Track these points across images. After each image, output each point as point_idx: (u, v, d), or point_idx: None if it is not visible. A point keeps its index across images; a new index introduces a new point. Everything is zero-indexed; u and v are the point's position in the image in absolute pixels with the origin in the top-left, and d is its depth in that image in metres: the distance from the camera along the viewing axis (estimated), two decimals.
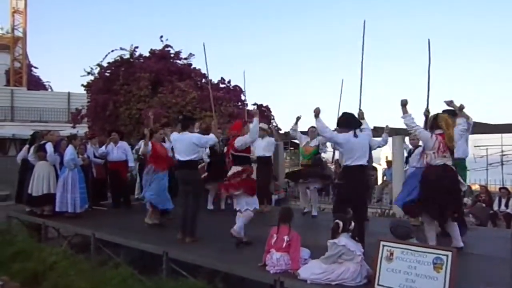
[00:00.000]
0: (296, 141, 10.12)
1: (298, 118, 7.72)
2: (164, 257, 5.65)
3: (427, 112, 6.08)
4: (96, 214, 8.73)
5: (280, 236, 4.62)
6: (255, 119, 5.73)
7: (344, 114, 5.56)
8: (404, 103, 5.29)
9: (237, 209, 5.80)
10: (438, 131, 5.20)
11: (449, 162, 5.16)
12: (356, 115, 5.74)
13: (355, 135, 5.36)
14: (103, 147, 9.46)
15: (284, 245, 4.55)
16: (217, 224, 7.14)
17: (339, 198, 5.76)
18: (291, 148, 18.55)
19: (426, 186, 5.22)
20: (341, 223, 4.25)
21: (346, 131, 5.42)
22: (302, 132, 8.10)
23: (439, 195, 5.03)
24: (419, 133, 5.32)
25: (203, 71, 13.06)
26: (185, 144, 6.21)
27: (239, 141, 5.73)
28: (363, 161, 5.35)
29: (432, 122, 5.33)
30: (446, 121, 5.19)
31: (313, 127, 8.03)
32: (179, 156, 6.28)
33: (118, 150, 9.18)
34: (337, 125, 5.68)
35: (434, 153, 5.15)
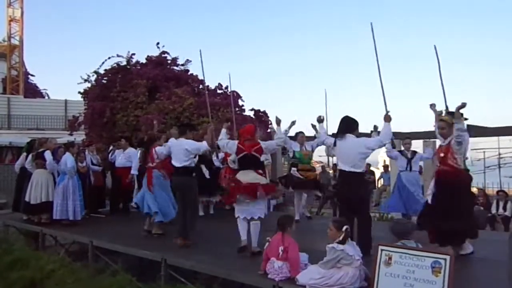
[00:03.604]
0: None
1: (293, 123, 7.74)
2: (162, 263, 5.63)
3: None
4: (93, 221, 8.70)
5: (280, 244, 4.59)
6: (278, 127, 5.91)
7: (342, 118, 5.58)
8: (460, 107, 5.01)
9: (249, 217, 5.54)
10: None
11: None
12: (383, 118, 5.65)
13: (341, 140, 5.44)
14: (109, 154, 9.63)
15: (282, 254, 4.50)
16: (211, 229, 7.13)
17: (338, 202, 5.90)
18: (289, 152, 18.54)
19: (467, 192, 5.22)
20: (349, 228, 4.25)
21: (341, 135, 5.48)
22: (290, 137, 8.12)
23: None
24: (466, 137, 5.15)
25: (200, 77, 13.10)
26: (179, 150, 6.26)
27: (265, 144, 5.79)
28: (346, 167, 5.37)
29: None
30: None
31: (301, 132, 8.18)
32: (175, 162, 6.31)
33: (123, 157, 9.21)
34: None
35: (462, 157, 5.15)
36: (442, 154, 5.20)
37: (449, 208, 4.98)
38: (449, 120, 5.20)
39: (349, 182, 5.39)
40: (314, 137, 8.19)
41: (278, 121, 5.82)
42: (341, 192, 5.46)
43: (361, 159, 5.42)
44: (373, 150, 5.52)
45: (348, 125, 5.49)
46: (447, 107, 5.54)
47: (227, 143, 5.84)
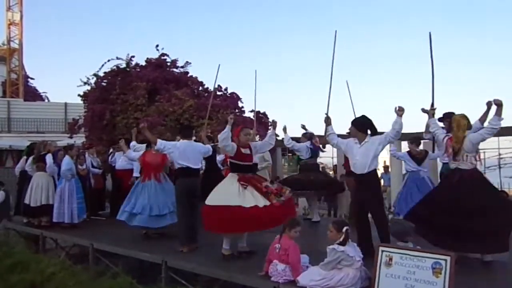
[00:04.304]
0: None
1: (284, 129, 7.66)
2: (163, 265, 5.63)
3: (433, 109, 6.08)
4: (94, 224, 8.70)
5: (276, 243, 4.59)
6: (227, 126, 5.46)
7: (363, 117, 5.52)
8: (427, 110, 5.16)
9: None
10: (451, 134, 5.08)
11: (465, 166, 4.91)
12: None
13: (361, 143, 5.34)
14: (109, 156, 9.62)
15: (279, 251, 4.50)
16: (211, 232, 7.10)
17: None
18: (289, 154, 18.57)
19: (435, 191, 5.22)
20: (349, 229, 4.25)
21: (361, 135, 5.37)
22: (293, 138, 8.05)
23: (444, 206, 4.84)
24: (437, 137, 5.19)
25: (200, 79, 13.11)
26: (196, 153, 6.23)
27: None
28: (356, 170, 5.35)
29: (448, 124, 5.27)
30: (458, 122, 4.97)
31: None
32: (191, 164, 6.16)
33: (123, 159, 9.19)
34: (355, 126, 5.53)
35: (447, 156, 5.12)
36: None
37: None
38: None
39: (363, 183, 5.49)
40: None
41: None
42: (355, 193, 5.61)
43: None
44: None
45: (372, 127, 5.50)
46: (433, 101, 5.46)
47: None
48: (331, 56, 5.83)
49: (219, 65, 7.22)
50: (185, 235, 6.17)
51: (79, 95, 13.06)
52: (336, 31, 5.84)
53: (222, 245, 5.59)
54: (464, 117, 5.03)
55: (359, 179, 5.37)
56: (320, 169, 15.50)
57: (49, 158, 8.32)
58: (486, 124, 5.13)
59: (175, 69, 13.18)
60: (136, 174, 8.68)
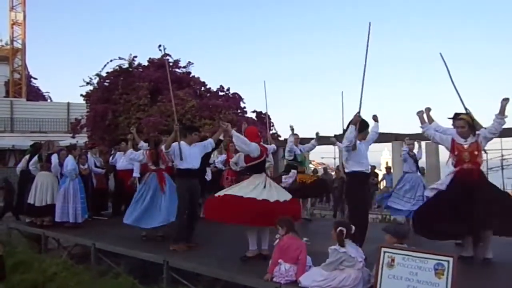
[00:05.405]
0: None
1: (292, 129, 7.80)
2: (164, 266, 5.63)
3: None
4: (96, 224, 8.70)
5: (289, 247, 4.52)
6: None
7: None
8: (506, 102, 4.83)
9: None
10: None
11: None
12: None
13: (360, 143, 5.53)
14: (110, 156, 9.65)
15: (292, 256, 4.46)
16: (213, 231, 7.10)
17: None
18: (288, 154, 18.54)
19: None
20: (344, 230, 4.22)
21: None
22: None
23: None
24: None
25: (202, 79, 13.14)
26: (193, 153, 6.23)
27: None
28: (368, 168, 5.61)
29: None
30: None
31: (296, 134, 8.46)
32: (191, 165, 6.14)
33: (124, 159, 9.17)
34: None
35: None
36: (476, 152, 4.97)
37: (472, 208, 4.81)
38: (467, 118, 5.07)
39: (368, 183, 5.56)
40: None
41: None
42: (364, 195, 5.58)
43: None
44: None
45: (365, 128, 5.60)
46: (466, 109, 5.24)
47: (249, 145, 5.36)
48: (365, 51, 5.43)
49: (264, 81, 7.35)
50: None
51: (81, 95, 13.11)
52: (370, 23, 5.62)
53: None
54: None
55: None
56: (322, 169, 15.53)
57: (54, 158, 8.35)
58: None
59: (177, 69, 13.21)
60: (136, 174, 8.69)
